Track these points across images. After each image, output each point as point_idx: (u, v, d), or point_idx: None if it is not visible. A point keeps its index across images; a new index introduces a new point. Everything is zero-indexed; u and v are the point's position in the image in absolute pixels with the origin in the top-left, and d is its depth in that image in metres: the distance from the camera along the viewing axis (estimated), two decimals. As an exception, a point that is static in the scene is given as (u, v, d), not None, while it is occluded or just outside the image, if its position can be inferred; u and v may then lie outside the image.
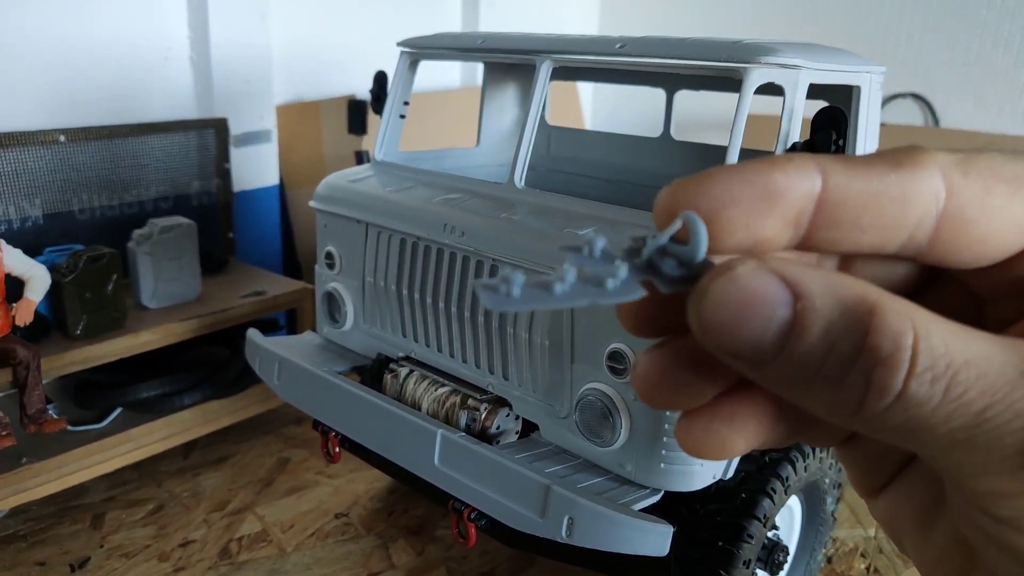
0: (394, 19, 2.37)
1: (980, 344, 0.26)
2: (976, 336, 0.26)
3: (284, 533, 1.41)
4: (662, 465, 0.88)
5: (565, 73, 1.44)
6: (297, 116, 2.16)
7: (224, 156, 1.88)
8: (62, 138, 1.59)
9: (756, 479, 0.98)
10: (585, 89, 3.14)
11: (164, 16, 1.82)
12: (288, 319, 1.92)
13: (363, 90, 2.14)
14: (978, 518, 0.28)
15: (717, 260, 0.28)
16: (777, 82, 0.91)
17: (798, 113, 0.92)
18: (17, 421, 1.32)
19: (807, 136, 0.92)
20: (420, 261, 1.10)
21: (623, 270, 0.28)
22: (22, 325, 1.29)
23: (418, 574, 1.30)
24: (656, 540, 0.81)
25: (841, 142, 0.86)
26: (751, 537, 0.95)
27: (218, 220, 1.90)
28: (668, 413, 0.87)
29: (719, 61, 0.92)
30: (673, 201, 0.29)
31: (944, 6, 2.50)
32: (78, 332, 1.40)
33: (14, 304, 1.29)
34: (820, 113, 0.87)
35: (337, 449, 1.18)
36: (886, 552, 1.40)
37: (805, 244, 0.29)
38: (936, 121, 2.63)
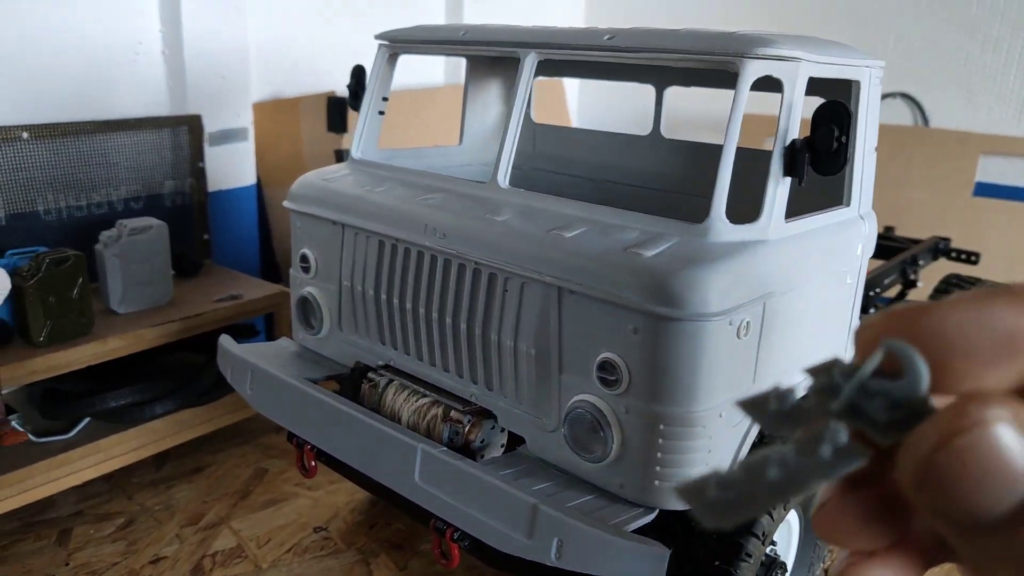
0: (376, 13, 2.31)
1: None
2: None
3: (260, 548, 1.35)
4: (657, 482, 0.83)
5: (551, 68, 1.39)
6: (275, 113, 2.09)
7: (199, 155, 1.82)
8: (25, 135, 1.52)
9: (753, 494, 0.93)
10: (571, 87, 3.09)
11: (135, 8, 1.75)
12: (267, 324, 1.86)
13: (344, 87, 2.08)
14: None
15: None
16: (775, 75, 0.86)
17: (797, 109, 0.88)
18: (-25, 434, 1.25)
19: (804, 133, 0.88)
20: (399, 264, 1.05)
21: (842, 431, 0.22)
22: (-20, 333, 1.22)
23: (399, 591, 1.25)
24: (651, 565, 0.76)
25: (844, 139, 0.81)
26: (749, 556, 0.91)
27: (193, 221, 1.84)
28: (662, 426, 0.82)
29: (714, 54, 0.88)
30: (887, 335, 0.23)
31: (934, 6, 2.48)
32: (42, 339, 1.33)
33: (-29, 311, 1.22)
34: (821, 108, 0.82)
35: (313, 463, 1.12)
36: (883, 563, 1.35)
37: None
38: (926, 121, 2.60)
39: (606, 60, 0.98)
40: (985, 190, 2.43)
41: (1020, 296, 0.23)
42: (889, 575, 0.25)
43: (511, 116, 1.02)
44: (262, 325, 1.86)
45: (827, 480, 0.23)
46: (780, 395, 0.24)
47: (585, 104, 3.20)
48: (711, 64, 0.88)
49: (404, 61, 1.29)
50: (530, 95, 1.53)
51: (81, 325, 1.39)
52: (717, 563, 0.90)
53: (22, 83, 1.60)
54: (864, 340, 0.24)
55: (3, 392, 1.25)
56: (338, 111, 1.43)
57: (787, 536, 1.09)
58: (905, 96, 2.59)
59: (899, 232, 2.25)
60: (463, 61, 2.57)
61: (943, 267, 2.07)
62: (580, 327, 0.86)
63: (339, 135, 1.54)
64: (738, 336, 0.83)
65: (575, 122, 3.12)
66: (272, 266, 2.14)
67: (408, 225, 1.03)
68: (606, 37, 0.97)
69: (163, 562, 1.31)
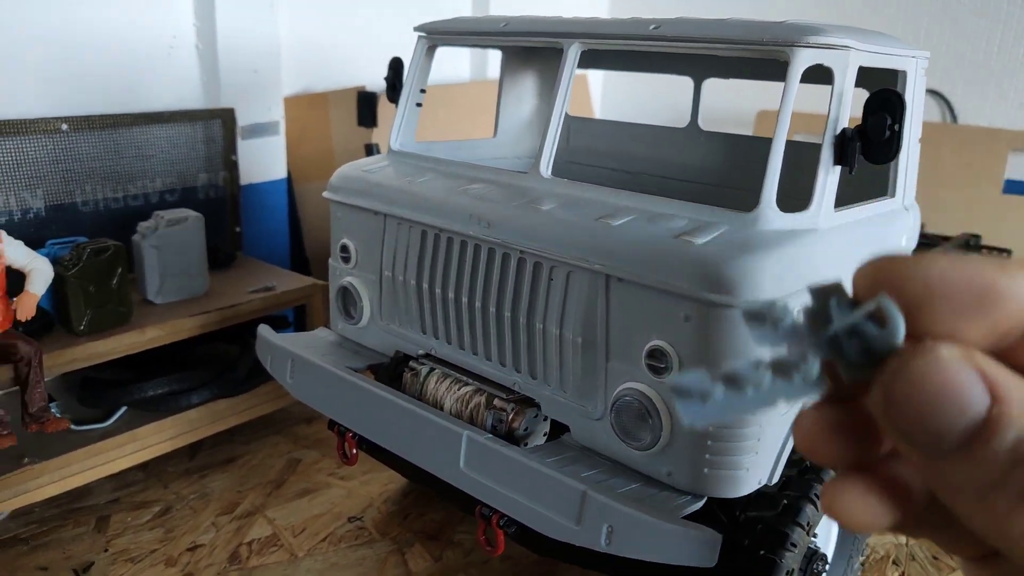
0: (405, 8, 2.32)
1: None
2: None
3: (295, 537, 1.36)
4: (706, 470, 0.83)
5: (588, 59, 1.39)
6: (306, 108, 2.11)
7: (231, 148, 1.83)
8: (64, 127, 1.54)
9: (799, 484, 0.93)
10: (595, 81, 3.09)
11: (170, 3, 1.77)
12: (297, 316, 1.87)
13: (373, 81, 2.08)
14: None
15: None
16: (826, 64, 0.86)
17: (847, 98, 0.87)
18: (18, 420, 1.27)
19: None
20: (442, 254, 1.05)
21: (816, 367, 0.27)
22: (23, 320, 1.24)
23: (436, 580, 1.25)
24: (704, 550, 0.76)
25: (896, 127, 0.81)
26: (794, 545, 0.90)
27: (226, 214, 1.85)
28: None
29: (764, 43, 0.87)
30: (879, 276, 0.27)
31: (963, -1, 2.45)
32: (82, 328, 1.35)
33: (15, 298, 1.24)
34: (874, 96, 0.82)
35: (354, 451, 1.13)
36: (919, 560, 1.35)
37: (996, 354, 0.27)
38: (955, 118, 2.58)
39: (650, 50, 0.98)
40: (1015, 187, 2.41)
41: (1000, 265, 0.26)
42: (865, 492, 0.28)
43: (553, 105, 1.02)
44: (291, 317, 1.87)
45: (790, 403, 0.27)
46: (779, 312, 0.27)
47: (608, 97, 3.20)
48: (761, 53, 0.88)
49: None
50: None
51: (120, 315, 1.40)
52: (763, 552, 0.90)
53: (61, 76, 1.62)
54: (860, 281, 0.27)
55: (44, 380, 1.26)
56: (368, 106, 1.44)
57: (827, 529, 1.09)
58: (933, 92, 2.57)
59: (928, 229, 2.24)
60: (489, 58, 2.57)
61: (974, 264, 2.05)
62: (628, 315, 0.86)
63: (369, 129, 1.55)
64: (789, 324, 0.83)
65: (598, 115, 3.11)
66: (302, 259, 2.16)
67: (452, 215, 1.03)
68: (652, 27, 0.97)
69: (200, 549, 1.32)
